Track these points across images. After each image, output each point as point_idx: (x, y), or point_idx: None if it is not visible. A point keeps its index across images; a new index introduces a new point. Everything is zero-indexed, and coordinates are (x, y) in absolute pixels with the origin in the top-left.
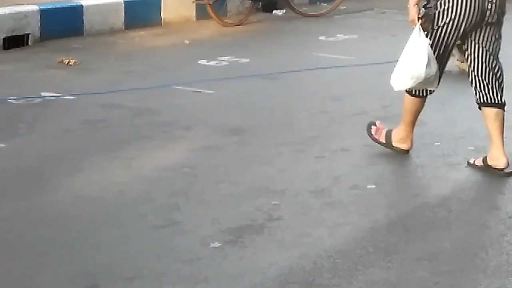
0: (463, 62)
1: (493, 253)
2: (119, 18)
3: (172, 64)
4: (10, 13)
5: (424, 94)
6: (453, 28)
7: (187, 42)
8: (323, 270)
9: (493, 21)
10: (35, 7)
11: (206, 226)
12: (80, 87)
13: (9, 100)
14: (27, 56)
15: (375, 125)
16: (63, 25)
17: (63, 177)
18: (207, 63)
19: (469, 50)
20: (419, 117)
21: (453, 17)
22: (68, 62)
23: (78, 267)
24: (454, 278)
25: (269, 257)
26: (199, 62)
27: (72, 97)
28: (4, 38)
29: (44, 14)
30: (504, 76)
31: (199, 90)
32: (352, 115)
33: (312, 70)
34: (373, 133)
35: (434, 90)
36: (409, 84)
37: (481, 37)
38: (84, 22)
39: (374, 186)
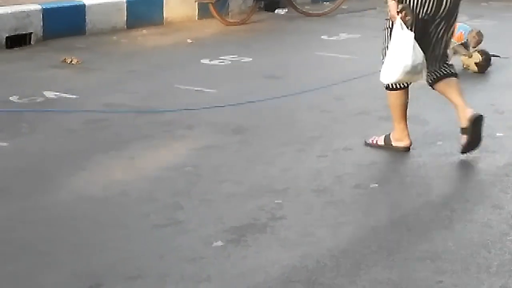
0: (470, 57)
1: (495, 252)
2: (122, 17)
3: (174, 63)
4: (12, 12)
5: (404, 85)
6: (427, 19)
7: (190, 41)
8: (326, 269)
9: (447, 13)
10: (37, 6)
11: (209, 225)
12: (82, 86)
13: (11, 99)
14: (30, 56)
15: (370, 138)
16: (65, 24)
17: (66, 176)
18: (209, 62)
19: (424, 40)
20: (421, 116)
21: (428, 8)
22: (71, 61)
23: (81, 266)
24: (457, 277)
25: (272, 256)
26: (201, 61)
27: (74, 96)
28: (6, 37)
29: (47, 13)
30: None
31: (202, 89)
32: (354, 115)
33: (314, 69)
34: (370, 142)
35: (411, 82)
36: (398, 75)
37: (436, 28)
38: (87, 21)
39: (376, 185)
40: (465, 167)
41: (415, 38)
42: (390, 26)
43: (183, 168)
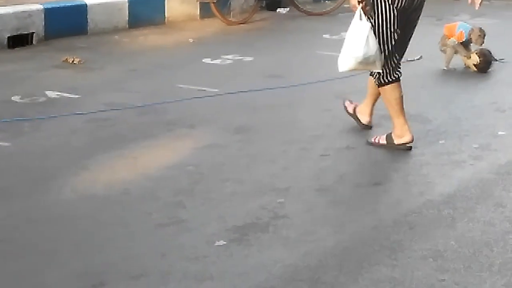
0: (469, 58)
1: (498, 250)
2: (123, 17)
3: (176, 62)
4: (14, 12)
5: (395, 77)
6: (396, 13)
7: (191, 40)
8: (328, 268)
9: (421, 3)
10: (39, 6)
11: (211, 224)
12: (84, 85)
13: (13, 99)
14: (32, 55)
15: (373, 137)
16: (67, 24)
17: (68, 175)
18: (211, 62)
19: (411, 26)
20: (423, 114)
21: (395, 3)
22: (73, 61)
23: (84, 265)
24: (459, 276)
25: (274, 255)
26: (203, 60)
27: (76, 96)
28: (8, 37)
29: (49, 13)
30: None
31: (204, 89)
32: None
33: (316, 68)
34: (371, 141)
35: (401, 74)
36: (351, 64)
37: (412, 21)
38: (88, 21)
39: (378, 184)
40: (467, 166)
41: (395, 30)
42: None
43: (186, 167)
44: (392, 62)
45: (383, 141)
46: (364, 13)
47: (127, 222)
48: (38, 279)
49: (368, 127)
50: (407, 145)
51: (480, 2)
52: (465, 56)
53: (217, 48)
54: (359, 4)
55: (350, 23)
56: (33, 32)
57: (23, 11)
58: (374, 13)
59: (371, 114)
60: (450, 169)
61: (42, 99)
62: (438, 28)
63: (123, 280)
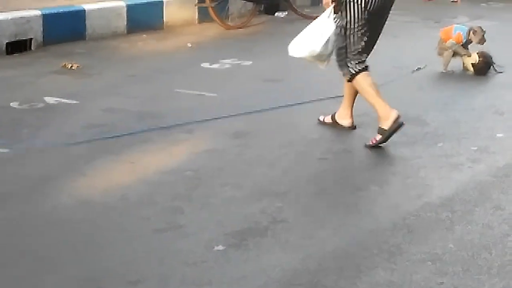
0: (469, 56)
1: (496, 253)
2: (122, 22)
3: (174, 67)
4: (12, 18)
5: (364, 67)
6: (366, 15)
7: (190, 45)
8: (327, 271)
9: (391, 5)
10: (37, 12)
11: (210, 229)
12: (83, 91)
13: (12, 105)
14: (30, 61)
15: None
16: (65, 30)
17: (67, 181)
18: (209, 66)
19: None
20: (421, 117)
21: (363, 3)
22: (71, 66)
23: (83, 271)
24: (458, 279)
25: (273, 259)
26: (201, 65)
27: (75, 102)
28: (7, 43)
29: (47, 19)
30: None
31: (202, 93)
32: (354, 117)
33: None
34: (370, 143)
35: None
36: (303, 54)
37: (381, 20)
38: (87, 26)
39: (377, 187)
40: (465, 169)
41: (365, 30)
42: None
43: (184, 172)
44: (360, 59)
45: (378, 137)
46: (335, 11)
47: (125, 227)
48: (37, 285)
49: (352, 128)
50: (398, 121)
51: None
52: (465, 54)
53: (216, 52)
54: (332, 2)
55: None
56: (32, 38)
57: (21, 17)
58: (346, 13)
59: (351, 115)
60: (448, 172)
61: (40, 105)
62: (435, 31)
63: (121, 285)
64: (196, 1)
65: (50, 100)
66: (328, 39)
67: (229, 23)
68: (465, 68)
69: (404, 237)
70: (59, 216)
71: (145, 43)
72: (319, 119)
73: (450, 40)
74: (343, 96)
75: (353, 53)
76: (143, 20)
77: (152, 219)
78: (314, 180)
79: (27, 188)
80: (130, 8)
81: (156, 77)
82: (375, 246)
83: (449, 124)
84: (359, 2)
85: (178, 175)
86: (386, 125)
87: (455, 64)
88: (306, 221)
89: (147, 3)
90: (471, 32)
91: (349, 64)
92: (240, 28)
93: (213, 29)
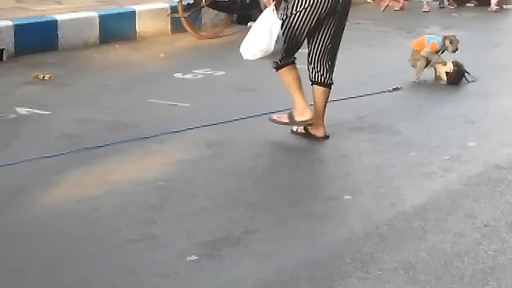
0: (444, 65)
1: (469, 261)
2: (94, 32)
3: (147, 77)
4: None
5: (291, 61)
6: (308, 16)
7: (162, 55)
8: (299, 281)
9: (342, 10)
10: (9, 23)
11: (182, 240)
12: (55, 102)
13: None
14: (2, 72)
15: (275, 114)
16: (37, 40)
17: (39, 192)
18: (182, 76)
19: (315, 33)
20: (393, 126)
21: (307, 6)
22: (43, 77)
23: (55, 282)
24: (430, 287)
25: (246, 269)
26: (174, 75)
27: (47, 112)
28: None
29: (18, 29)
30: (335, 61)
31: (175, 103)
32: (327, 126)
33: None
34: (276, 118)
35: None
36: (257, 55)
37: (329, 24)
38: (59, 36)
39: (350, 197)
40: (438, 177)
41: (303, 29)
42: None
43: (156, 182)
44: (292, 53)
45: (285, 119)
46: (276, 9)
47: (97, 238)
48: None
49: (325, 137)
50: (307, 122)
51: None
52: (440, 63)
53: (189, 62)
54: (273, 1)
55: None
56: (3, 49)
57: None
58: (288, 11)
59: (323, 125)
60: (421, 181)
61: (12, 115)
62: (408, 40)
63: None
64: (169, 12)
65: (22, 110)
66: (278, 37)
67: (202, 33)
68: (437, 77)
69: (377, 246)
70: (32, 227)
71: (117, 53)
72: (292, 130)
73: (425, 49)
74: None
75: (289, 46)
76: (115, 30)
77: (124, 229)
78: (286, 189)
79: None
80: (102, 18)
81: (129, 87)
82: (348, 255)
83: (421, 133)
84: (302, 3)
85: (151, 186)
86: (298, 118)
87: (427, 73)
88: (278, 231)
89: (120, 13)
90: (446, 41)
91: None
92: (213, 38)
93: (186, 39)
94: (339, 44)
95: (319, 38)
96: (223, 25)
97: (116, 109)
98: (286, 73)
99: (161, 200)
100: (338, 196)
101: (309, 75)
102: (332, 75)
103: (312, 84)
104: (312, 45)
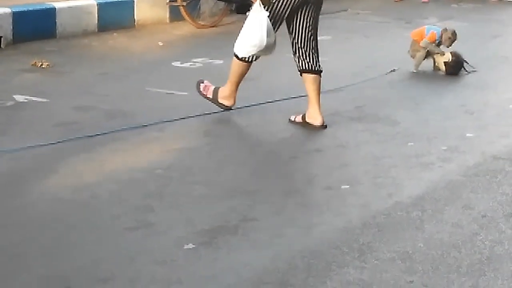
0: (443, 55)
1: (466, 252)
2: (92, 20)
3: (145, 66)
4: None
5: (251, 60)
6: (281, 7)
7: (161, 44)
8: (297, 270)
9: (315, 0)
10: (7, 10)
11: (180, 228)
12: (53, 89)
13: None
14: (0, 59)
15: (203, 83)
16: (36, 28)
17: (36, 179)
18: (180, 65)
19: (294, 23)
20: (392, 117)
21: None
22: (41, 64)
23: (52, 269)
24: (427, 277)
25: (243, 258)
26: (172, 64)
27: (45, 100)
28: None
29: (17, 16)
30: (319, 48)
31: (173, 92)
32: (325, 116)
33: (285, 70)
34: (201, 89)
35: (259, 56)
36: (252, 51)
37: (305, 13)
38: (57, 24)
39: (347, 187)
40: (436, 168)
41: (287, 19)
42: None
43: (154, 170)
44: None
45: (209, 94)
46: (262, 3)
47: (95, 225)
48: (6, 284)
49: (323, 127)
50: (226, 107)
51: None
52: (438, 53)
53: (187, 51)
54: None
55: (321, 26)
56: (1, 36)
57: None
58: (270, 6)
59: (320, 113)
60: (418, 171)
61: (10, 103)
62: (407, 31)
63: (91, 284)
64: (168, 0)
65: (20, 98)
66: (268, 30)
67: (200, 22)
68: (436, 68)
69: (375, 236)
70: (29, 214)
71: (116, 41)
72: (290, 119)
73: (425, 39)
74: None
75: None
76: (114, 19)
77: (122, 217)
78: (284, 179)
79: None
80: (101, 6)
81: (127, 75)
82: (345, 244)
83: (419, 124)
84: None
85: (149, 174)
86: (220, 100)
87: (426, 64)
88: (276, 220)
89: (118, 1)
90: (444, 35)
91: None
92: (212, 27)
93: (184, 28)
94: (316, 33)
95: (298, 29)
96: (222, 14)
97: (114, 97)
98: (238, 66)
99: (159, 188)
100: (335, 185)
101: (297, 66)
102: (319, 62)
103: (301, 74)
104: (293, 36)
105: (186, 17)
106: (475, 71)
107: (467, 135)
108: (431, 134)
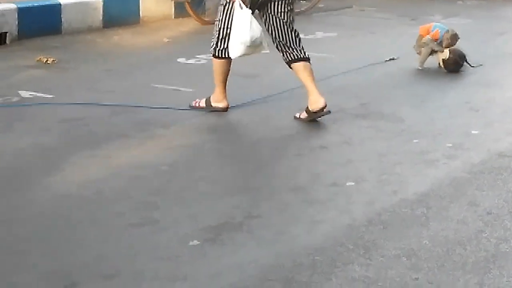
0: (442, 52)
1: (471, 249)
2: (98, 17)
3: (150, 62)
4: None
5: (227, 56)
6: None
7: (166, 40)
8: (302, 267)
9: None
10: (12, 6)
11: (185, 224)
12: (58, 85)
13: None
14: (5, 55)
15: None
16: (41, 24)
17: (41, 175)
18: (186, 61)
19: (267, 20)
20: (396, 113)
21: None
22: (46, 60)
23: (56, 265)
24: (432, 274)
25: (248, 254)
26: (177, 60)
27: (50, 96)
28: None
29: (22, 12)
30: (301, 37)
31: (178, 88)
32: (331, 113)
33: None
34: (193, 105)
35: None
36: (241, 49)
37: (275, 8)
38: (62, 20)
39: (352, 183)
40: (441, 165)
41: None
42: (224, 3)
43: (159, 166)
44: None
45: (202, 104)
46: (243, 2)
47: (99, 222)
48: (10, 280)
49: (327, 110)
50: (221, 109)
51: None
52: (437, 50)
53: (192, 47)
54: None
55: (326, 22)
56: (6, 32)
57: None
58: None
59: (320, 95)
60: (423, 168)
61: (15, 99)
62: (412, 28)
63: (96, 280)
64: None
65: (25, 94)
66: (250, 24)
67: (205, 19)
68: (440, 66)
69: (379, 233)
70: (34, 210)
71: (121, 38)
72: (295, 116)
73: (427, 36)
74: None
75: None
76: (119, 15)
77: (127, 213)
78: (289, 175)
79: (1, 183)
80: (106, 2)
81: (132, 71)
82: (350, 241)
83: (424, 121)
84: None
85: (154, 170)
86: (214, 104)
87: (431, 61)
88: (281, 216)
89: None
90: (446, 35)
91: (219, 46)
92: None
93: (189, 24)
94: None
95: (268, 26)
96: None
97: (119, 94)
98: (219, 65)
99: (163, 184)
100: (340, 182)
101: (284, 60)
102: (303, 50)
103: (290, 66)
104: (271, 34)
105: (191, 13)
106: (481, 65)
107: (472, 132)
108: (436, 131)
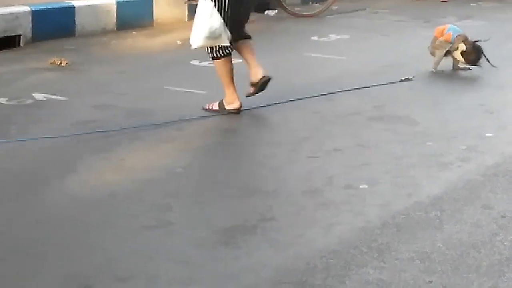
0: (456, 49)
1: (485, 252)
2: (111, 19)
3: (164, 64)
4: (1, 14)
5: (226, 53)
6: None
7: (179, 42)
8: (316, 270)
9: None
10: (26, 8)
11: (199, 227)
12: (72, 88)
13: (0, 101)
14: (19, 57)
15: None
16: (55, 26)
17: (56, 178)
18: (199, 64)
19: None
20: (411, 116)
21: None
22: (60, 63)
23: (72, 268)
24: (446, 277)
25: (263, 257)
26: (191, 62)
27: (64, 98)
28: None
29: (36, 15)
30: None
31: (192, 91)
32: (345, 115)
33: (304, 70)
34: (206, 107)
35: (233, 49)
36: (200, 40)
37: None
38: (76, 23)
39: (366, 186)
40: (455, 168)
41: (233, 11)
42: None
43: (173, 169)
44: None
45: (216, 107)
46: None
47: (114, 224)
48: (25, 283)
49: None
50: (236, 110)
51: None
52: (453, 50)
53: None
54: None
55: (340, 25)
56: (20, 34)
57: (10, 13)
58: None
59: (260, 66)
60: (437, 171)
61: (29, 101)
62: (425, 30)
63: (110, 283)
64: None
65: (39, 96)
66: (211, 15)
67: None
68: (455, 67)
69: (393, 236)
70: (48, 212)
71: (134, 40)
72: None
73: (440, 38)
74: (333, 93)
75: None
76: (133, 17)
77: (141, 216)
78: (303, 178)
79: (16, 185)
80: (120, 5)
81: (146, 74)
82: (364, 244)
83: (438, 123)
84: None
85: (168, 173)
86: (227, 107)
87: (445, 63)
88: (295, 219)
89: (137, 0)
90: (458, 39)
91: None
92: None
93: None
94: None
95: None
96: None
97: (133, 96)
98: (221, 65)
99: (177, 187)
100: (355, 185)
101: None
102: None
103: (234, 47)
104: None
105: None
106: (494, 67)
107: (486, 134)
108: (450, 134)
